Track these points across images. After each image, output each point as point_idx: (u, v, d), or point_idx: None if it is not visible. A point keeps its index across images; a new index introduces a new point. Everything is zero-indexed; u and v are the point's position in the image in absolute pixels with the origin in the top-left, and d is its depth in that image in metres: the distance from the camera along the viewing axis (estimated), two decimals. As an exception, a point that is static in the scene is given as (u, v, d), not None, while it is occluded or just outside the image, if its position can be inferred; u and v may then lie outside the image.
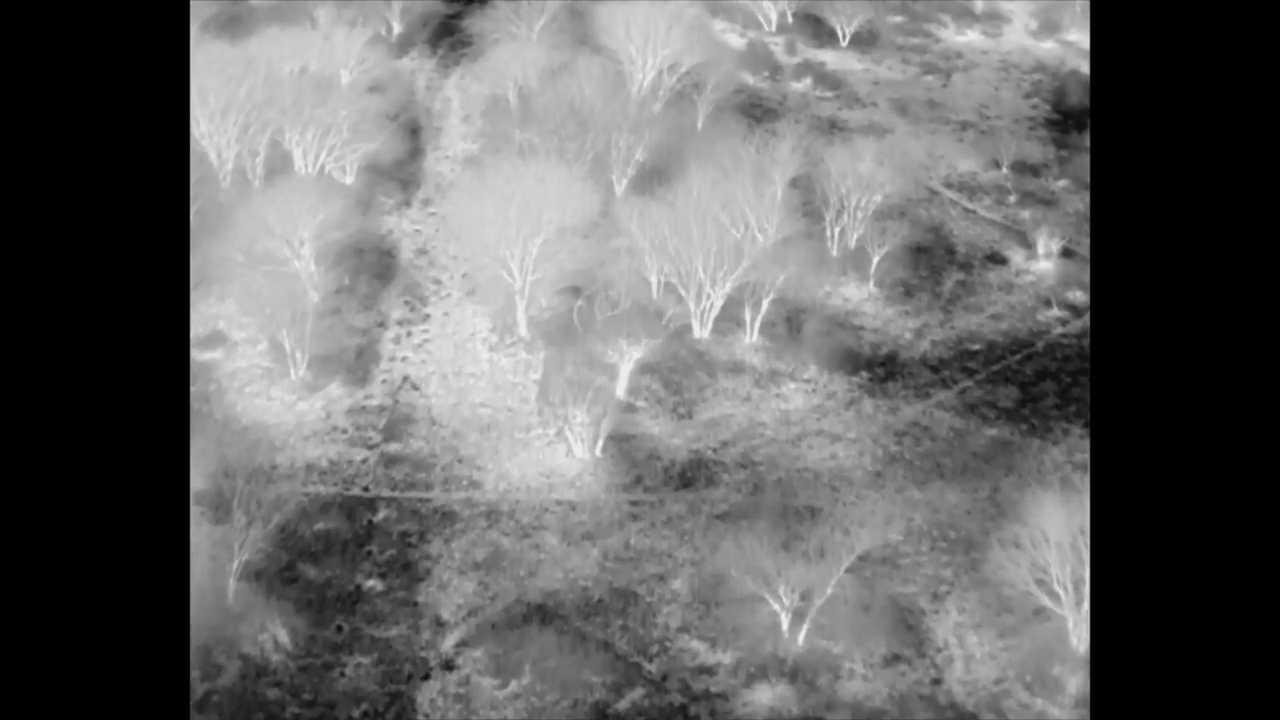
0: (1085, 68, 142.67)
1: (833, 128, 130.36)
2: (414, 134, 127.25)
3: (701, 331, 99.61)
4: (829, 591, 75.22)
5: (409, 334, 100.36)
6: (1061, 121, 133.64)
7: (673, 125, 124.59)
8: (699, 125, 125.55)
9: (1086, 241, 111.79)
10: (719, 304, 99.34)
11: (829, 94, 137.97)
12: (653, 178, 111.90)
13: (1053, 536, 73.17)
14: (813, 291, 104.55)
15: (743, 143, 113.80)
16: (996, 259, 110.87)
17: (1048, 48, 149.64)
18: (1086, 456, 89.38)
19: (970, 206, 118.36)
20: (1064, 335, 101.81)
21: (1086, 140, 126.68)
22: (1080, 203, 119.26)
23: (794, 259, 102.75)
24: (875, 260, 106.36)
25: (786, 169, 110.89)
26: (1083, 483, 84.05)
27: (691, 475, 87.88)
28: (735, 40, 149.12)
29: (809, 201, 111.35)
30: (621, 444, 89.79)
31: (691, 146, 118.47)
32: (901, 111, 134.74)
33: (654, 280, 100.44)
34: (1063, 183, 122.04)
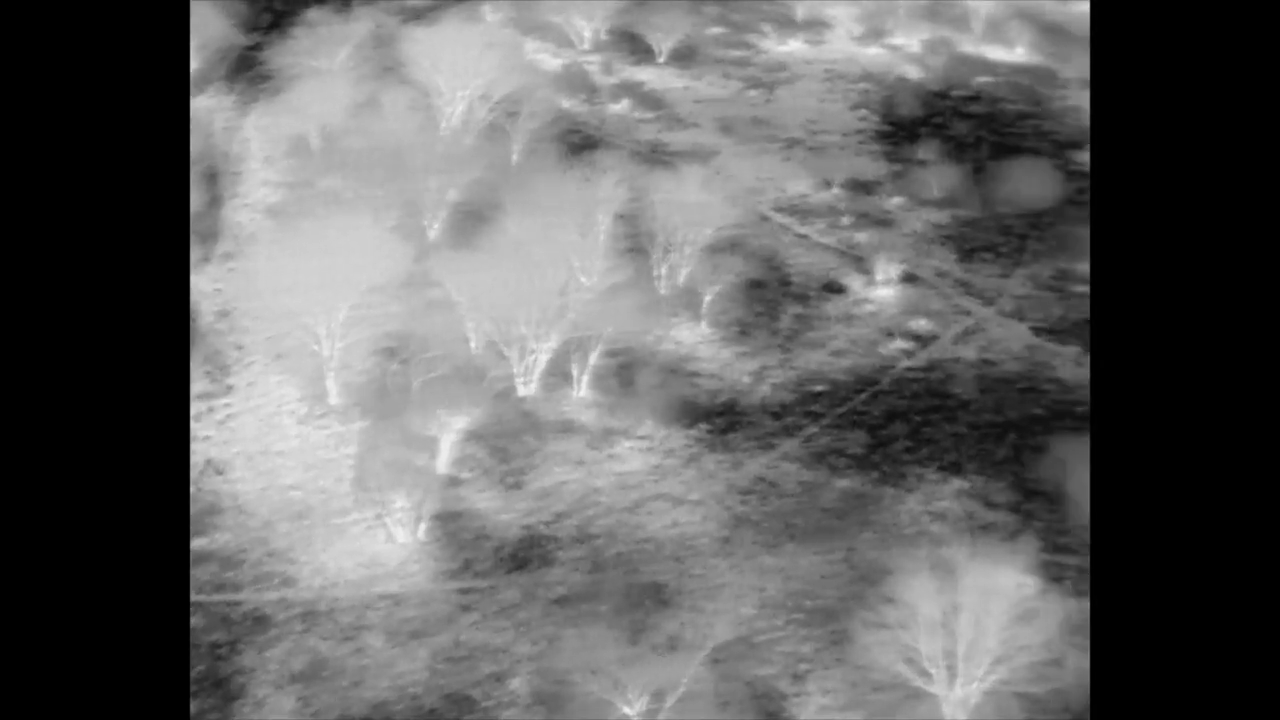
0: (912, 73, 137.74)
1: (655, 153, 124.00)
2: (211, 180, 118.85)
3: (527, 389, 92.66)
4: (681, 689, 68.62)
5: (210, 409, 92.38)
6: (892, 134, 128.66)
7: (488, 160, 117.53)
8: (514, 159, 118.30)
9: (926, 263, 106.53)
10: (544, 359, 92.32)
11: (649, 115, 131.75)
12: (468, 222, 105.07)
13: (921, 611, 67.14)
14: (643, 337, 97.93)
15: (562, 178, 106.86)
16: (834, 288, 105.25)
17: (873, 54, 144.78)
18: (945, 504, 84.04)
19: (803, 231, 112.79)
20: (910, 369, 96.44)
21: (919, 153, 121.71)
22: (917, 222, 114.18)
23: (622, 303, 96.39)
24: (707, 299, 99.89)
25: (610, 205, 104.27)
26: (944, 534, 78.76)
27: (525, 555, 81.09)
28: (550, 62, 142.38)
29: (635, 237, 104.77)
30: (447, 524, 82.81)
31: (508, 184, 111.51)
32: (726, 131, 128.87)
33: (473, 338, 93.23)
34: (897, 200, 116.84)
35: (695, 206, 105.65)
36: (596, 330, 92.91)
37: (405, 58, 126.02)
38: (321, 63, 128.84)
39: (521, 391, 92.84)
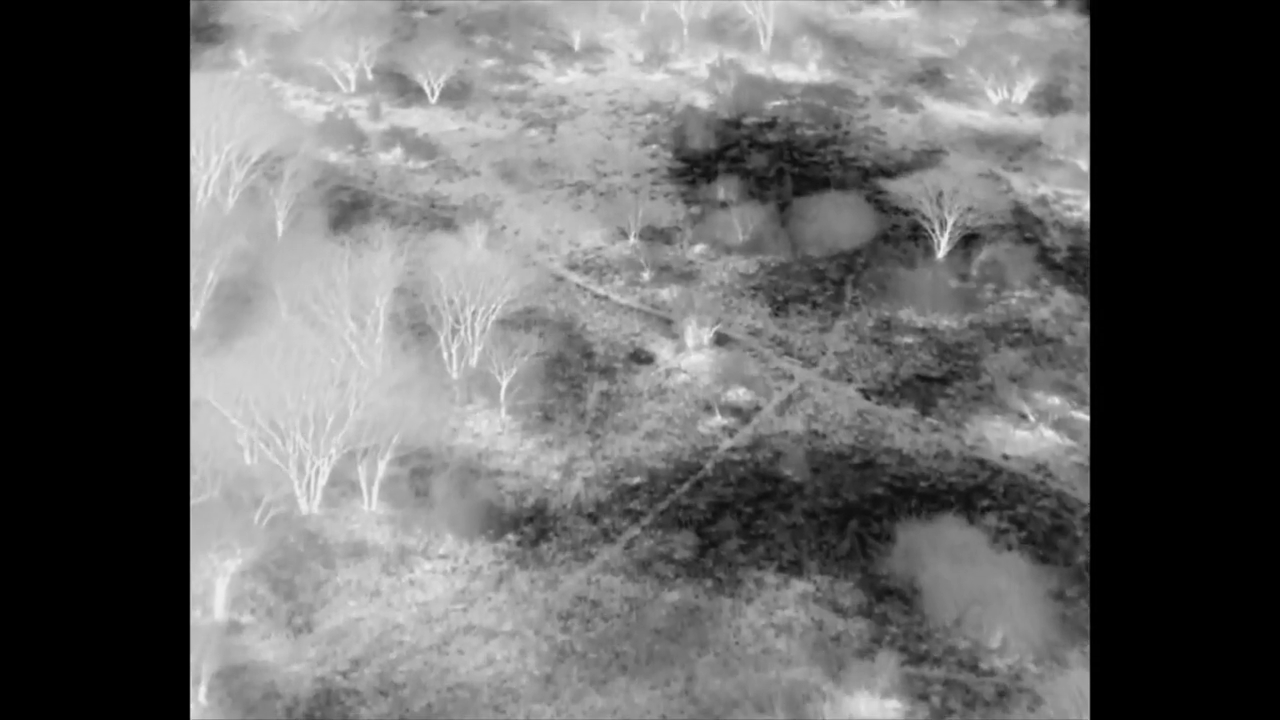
0: (701, 100, 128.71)
1: (434, 209, 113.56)
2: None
3: (310, 506, 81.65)
4: None
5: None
6: (686, 171, 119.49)
7: (251, 228, 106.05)
8: (279, 228, 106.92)
9: (737, 321, 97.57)
10: (327, 469, 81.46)
11: (424, 164, 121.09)
12: (230, 307, 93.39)
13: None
14: (437, 430, 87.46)
15: (334, 255, 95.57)
16: (642, 357, 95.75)
17: (658, 80, 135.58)
18: (789, 613, 75.14)
19: (601, 292, 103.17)
20: (733, 450, 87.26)
21: (719, 193, 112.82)
22: (723, 272, 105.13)
23: (410, 394, 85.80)
24: (504, 384, 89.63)
25: (387, 281, 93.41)
26: (793, 651, 69.97)
27: (321, 715, 70.04)
28: (312, 109, 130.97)
29: (418, 314, 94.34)
30: (229, 682, 71.93)
31: (273, 260, 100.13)
32: (508, 178, 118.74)
33: (246, 453, 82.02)
34: (699, 248, 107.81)
35: (482, 272, 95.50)
36: (384, 429, 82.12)
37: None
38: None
39: (305, 509, 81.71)
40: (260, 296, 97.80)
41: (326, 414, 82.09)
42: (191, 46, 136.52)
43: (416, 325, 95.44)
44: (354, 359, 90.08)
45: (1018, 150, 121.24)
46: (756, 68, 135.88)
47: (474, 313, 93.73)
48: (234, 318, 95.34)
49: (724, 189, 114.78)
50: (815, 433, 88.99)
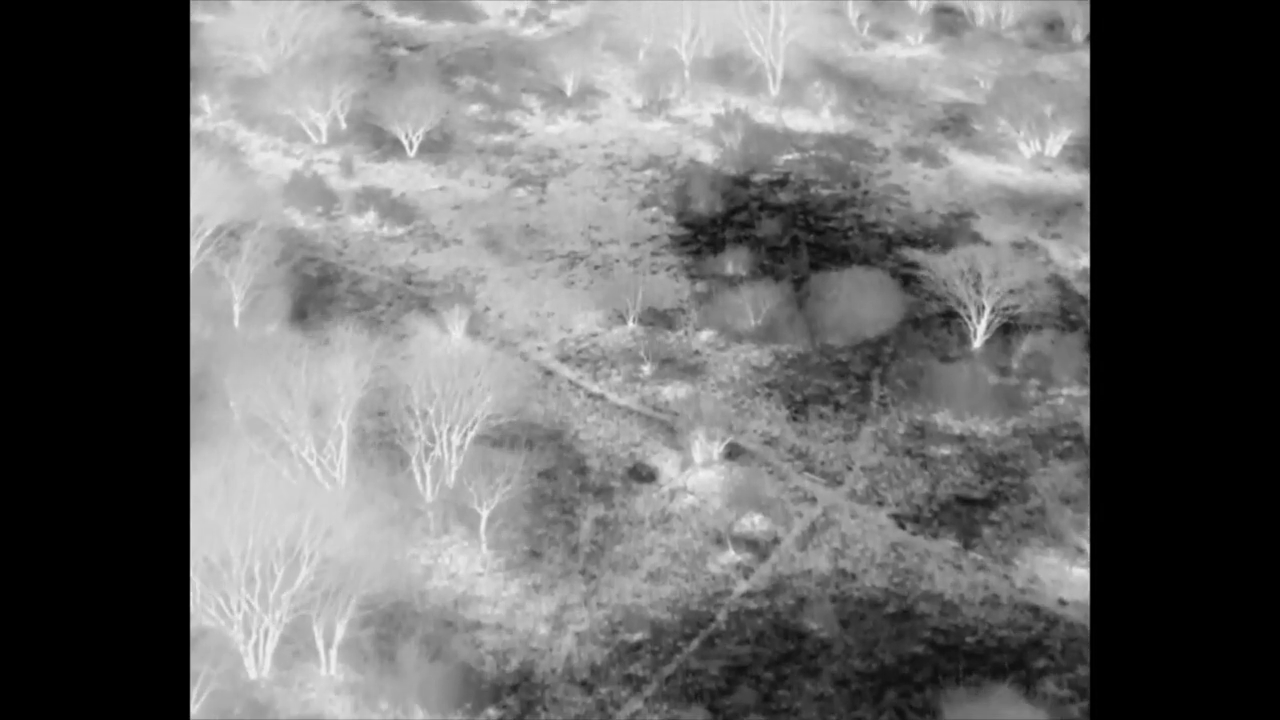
0: (705, 155, 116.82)
1: (409, 285, 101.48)
2: None
3: (259, 670, 69.64)
4: None
5: None
6: (691, 238, 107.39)
7: (206, 308, 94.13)
8: (236, 316, 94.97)
9: (750, 427, 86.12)
10: (277, 631, 69.48)
11: (400, 231, 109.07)
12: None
13: None
14: (407, 572, 75.51)
15: (293, 356, 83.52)
16: (642, 474, 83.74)
17: (657, 130, 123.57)
18: (817, 817, 63.13)
19: (597, 390, 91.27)
20: (749, 596, 75.45)
21: (727, 267, 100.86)
22: (734, 365, 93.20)
23: (375, 526, 74.08)
24: (485, 515, 77.58)
25: (350, 394, 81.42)
26: None
27: None
28: (280, 163, 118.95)
29: (386, 422, 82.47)
30: None
31: (228, 357, 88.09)
32: (493, 247, 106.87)
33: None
34: (706, 335, 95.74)
35: (459, 380, 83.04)
36: (346, 574, 70.25)
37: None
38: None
39: (253, 674, 69.72)
40: (211, 398, 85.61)
41: (278, 562, 69.87)
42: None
43: (385, 439, 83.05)
44: (312, 477, 78.03)
45: (1055, 213, 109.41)
46: (765, 115, 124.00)
47: (450, 427, 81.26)
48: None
49: (732, 262, 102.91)
50: (843, 572, 77.18)
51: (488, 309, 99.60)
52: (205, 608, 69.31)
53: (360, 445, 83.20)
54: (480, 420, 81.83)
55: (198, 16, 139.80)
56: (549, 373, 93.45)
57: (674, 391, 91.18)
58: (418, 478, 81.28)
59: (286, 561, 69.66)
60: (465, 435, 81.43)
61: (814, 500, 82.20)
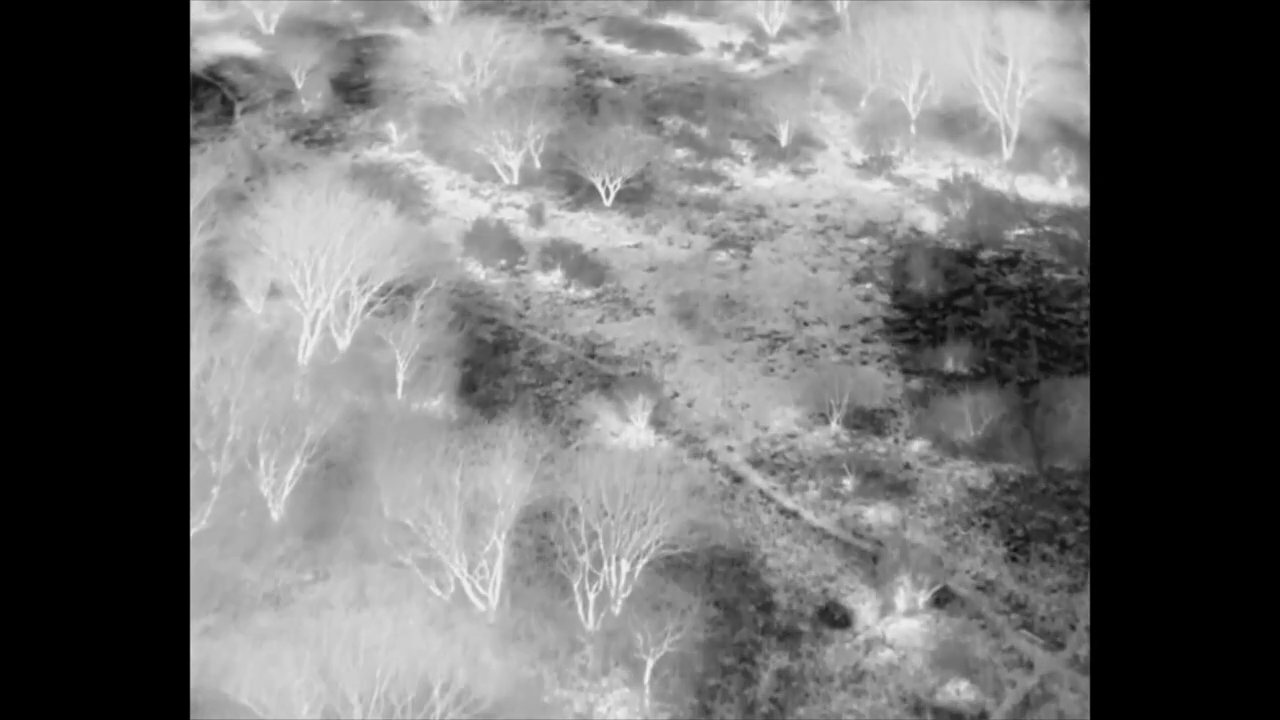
0: (929, 224, 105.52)
1: (591, 359, 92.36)
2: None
3: (380, 838, 60.36)
4: None
5: None
6: (907, 324, 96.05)
7: (368, 377, 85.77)
8: (398, 393, 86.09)
9: (962, 565, 75.28)
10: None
11: (587, 294, 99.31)
12: (332, 490, 73.68)
13: None
14: (558, 715, 65.75)
15: (450, 445, 74.49)
16: (835, 617, 72.90)
17: (877, 191, 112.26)
18: None
19: (791, 505, 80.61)
20: (954, 789, 63.97)
21: (946, 362, 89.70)
22: (948, 484, 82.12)
23: (527, 661, 64.88)
24: (650, 664, 67.41)
25: (512, 502, 71.88)
26: None
27: None
28: (465, 204, 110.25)
29: (550, 533, 72.95)
30: None
31: (385, 434, 79.75)
32: (687, 320, 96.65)
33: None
34: (918, 445, 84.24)
35: (637, 482, 73.01)
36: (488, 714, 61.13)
37: (258, 222, 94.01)
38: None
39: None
40: (359, 486, 76.93)
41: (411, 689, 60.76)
42: (339, 109, 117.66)
43: (545, 553, 73.34)
44: (461, 594, 68.90)
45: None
46: (996, 181, 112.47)
47: (623, 544, 71.26)
48: (325, 507, 75.03)
49: (953, 357, 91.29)
50: (1060, 767, 65.37)
51: (676, 395, 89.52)
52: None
53: (518, 563, 73.21)
54: (655, 546, 71.37)
55: (394, 31, 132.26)
56: (738, 479, 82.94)
57: (878, 514, 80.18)
58: (579, 606, 71.16)
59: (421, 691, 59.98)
60: (637, 563, 71.00)
61: (1030, 666, 70.62)
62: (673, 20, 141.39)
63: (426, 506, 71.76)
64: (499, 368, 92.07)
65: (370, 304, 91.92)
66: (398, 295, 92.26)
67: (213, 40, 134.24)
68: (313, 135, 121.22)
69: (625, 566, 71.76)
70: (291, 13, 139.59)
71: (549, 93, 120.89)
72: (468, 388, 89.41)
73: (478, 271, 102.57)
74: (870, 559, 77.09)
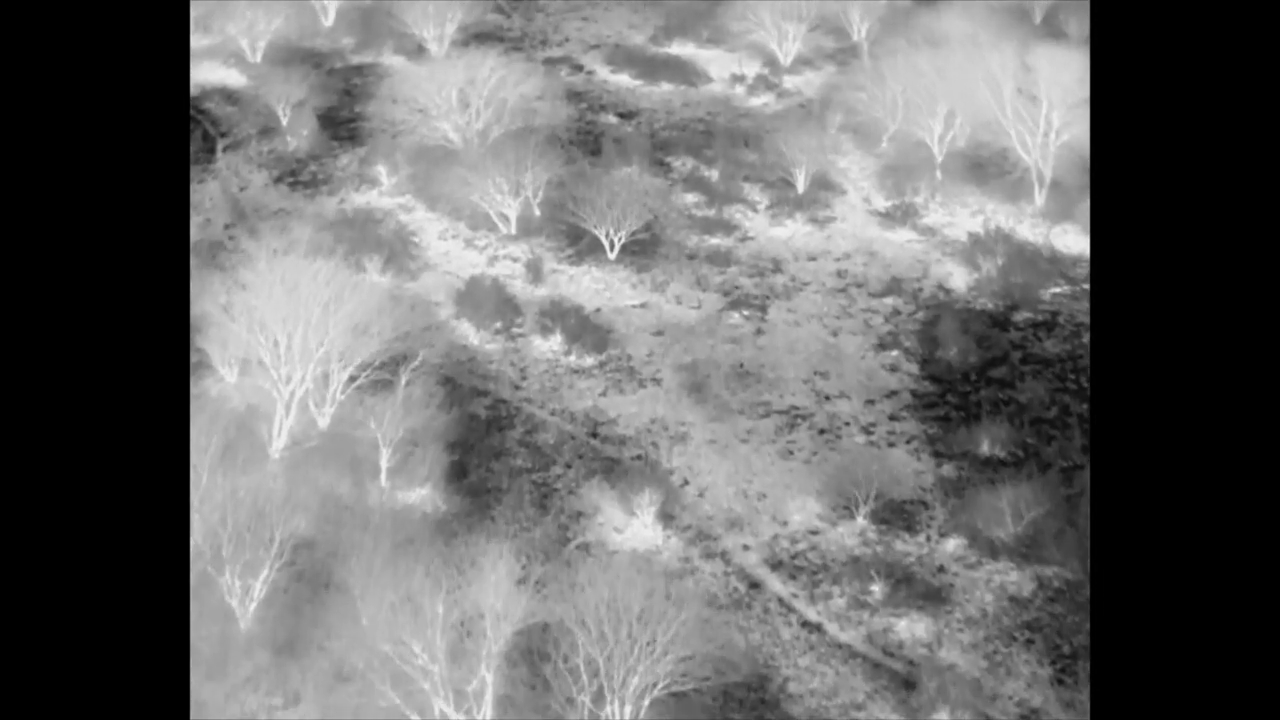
0: (957, 280, 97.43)
1: (593, 442, 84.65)
2: None
3: None
4: None
5: None
6: (938, 399, 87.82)
7: (347, 462, 78.13)
8: (383, 470, 78.33)
9: (1005, 689, 66.78)
10: None
11: (589, 362, 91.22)
12: (300, 600, 66.28)
13: None
14: None
15: (433, 562, 66.68)
16: (866, 757, 64.70)
17: (901, 241, 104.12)
18: None
19: (814, 617, 72.69)
20: None
21: (982, 445, 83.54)
22: (986, 591, 74.03)
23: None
24: (660, 817, 59.48)
25: (501, 630, 63.93)
26: None
27: None
28: (458, 257, 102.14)
29: (534, 660, 65.51)
30: None
31: (363, 530, 72.08)
32: (698, 393, 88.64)
33: None
34: (952, 545, 76.21)
35: (642, 580, 65.52)
36: None
37: (231, 288, 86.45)
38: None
39: None
40: (335, 596, 69.10)
41: None
42: (326, 147, 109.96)
43: (539, 684, 65.29)
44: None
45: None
46: (1029, 232, 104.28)
47: (626, 674, 63.29)
48: (297, 619, 67.17)
49: (988, 440, 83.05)
50: None
51: (686, 483, 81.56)
52: None
53: (510, 689, 65.19)
54: (663, 680, 63.39)
55: (386, 59, 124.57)
56: (755, 584, 74.86)
57: (910, 628, 72.25)
58: (578, 744, 63.16)
59: None
60: (642, 701, 62.97)
61: (1081, 823, 62.52)
62: (680, 48, 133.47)
63: (406, 636, 63.57)
64: (492, 449, 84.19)
65: (353, 378, 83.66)
66: (382, 368, 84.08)
67: (196, 68, 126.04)
68: (297, 176, 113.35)
69: (630, 711, 63.52)
70: (279, 39, 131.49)
71: (549, 131, 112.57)
72: (458, 474, 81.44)
73: (470, 335, 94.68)
74: (902, 682, 68.95)
